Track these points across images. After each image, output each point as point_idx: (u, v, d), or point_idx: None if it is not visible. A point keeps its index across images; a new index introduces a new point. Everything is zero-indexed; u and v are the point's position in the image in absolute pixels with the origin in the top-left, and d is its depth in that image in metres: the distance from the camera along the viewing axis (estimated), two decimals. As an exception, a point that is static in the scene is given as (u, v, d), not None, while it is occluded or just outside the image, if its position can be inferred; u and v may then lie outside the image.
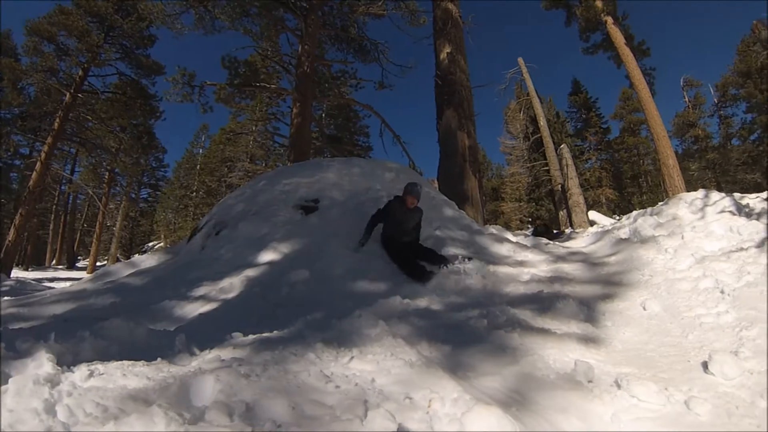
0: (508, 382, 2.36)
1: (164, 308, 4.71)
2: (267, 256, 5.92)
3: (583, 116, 38.75)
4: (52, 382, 1.64)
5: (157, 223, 44.97)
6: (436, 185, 11.73)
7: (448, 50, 13.34)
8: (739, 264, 4.32)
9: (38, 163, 20.53)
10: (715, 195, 7.65)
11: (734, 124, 35.56)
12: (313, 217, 7.07)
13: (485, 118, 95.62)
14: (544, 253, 6.71)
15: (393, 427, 1.48)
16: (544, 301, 4.03)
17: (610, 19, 20.33)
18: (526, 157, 33.15)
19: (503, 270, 5.45)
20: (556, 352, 2.84)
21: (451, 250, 5.88)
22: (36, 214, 27.57)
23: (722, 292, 3.80)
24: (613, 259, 6.00)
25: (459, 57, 13.37)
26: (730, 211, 6.64)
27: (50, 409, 1.45)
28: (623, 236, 7.27)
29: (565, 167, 16.86)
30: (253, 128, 34.35)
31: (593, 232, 9.68)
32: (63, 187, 38.45)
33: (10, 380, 1.57)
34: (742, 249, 4.89)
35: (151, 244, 50.18)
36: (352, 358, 2.19)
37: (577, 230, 14.25)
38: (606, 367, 2.69)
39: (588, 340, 3.23)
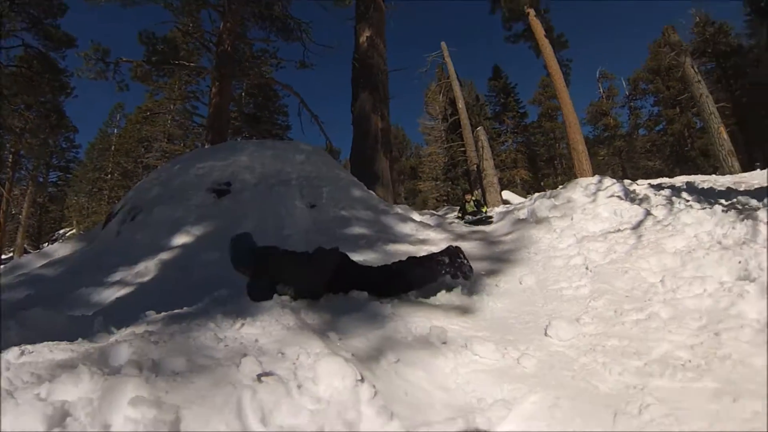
0: (371, 343, 2.78)
1: (81, 296, 4.95)
2: (181, 239, 6.24)
3: (502, 101, 40.92)
4: (-12, 362, 2.04)
5: (68, 208, 42.41)
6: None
7: (368, 34, 13.82)
8: (610, 243, 4.81)
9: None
10: (608, 181, 8.32)
11: (642, 116, 39.29)
12: (225, 200, 7.41)
13: (406, 99, 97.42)
14: (447, 232, 7.35)
15: (259, 370, 2.01)
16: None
17: (532, 11, 21.69)
18: (444, 138, 34.50)
19: (403, 248, 5.96)
20: (422, 319, 3.20)
21: (355, 230, 6.46)
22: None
23: (587, 268, 4.27)
24: (508, 237, 6.58)
25: (378, 41, 13.90)
26: (618, 196, 7.24)
27: (-9, 382, 1.87)
28: (521, 216, 7.92)
29: (481, 149, 17.57)
30: (171, 107, 33.28)
31: (498, 211, 10.50)
32: (-43, 173, 35.58)
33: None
34: (618, 230, 5.43)
35: (61, 231, 47.08)
36: (243, 324, 2.68)
37: (490, 209, 15.32)
38: (467, 332, 3.08)
39: (461, 310, 3.61)
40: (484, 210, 10.80)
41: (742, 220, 4.24)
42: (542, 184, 37.67)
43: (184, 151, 33.99)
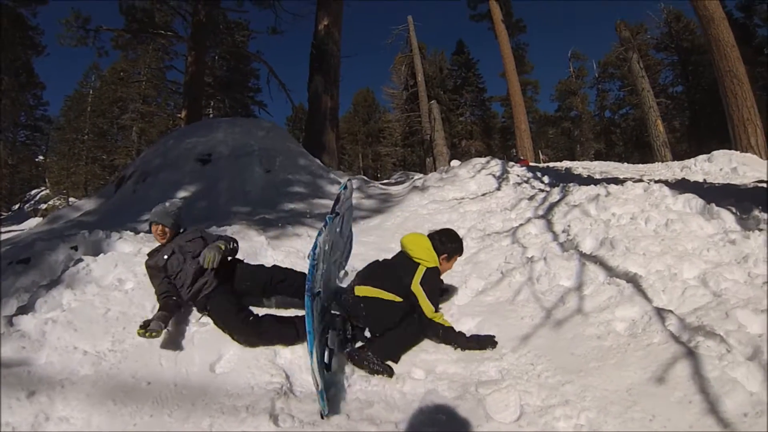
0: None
1: (129, 229, 9.04)
2: (182, 194, 10.09)
3: (463, 74, 45.77)
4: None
5: (47, 170, 45.52)
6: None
7: (326, 23, 17.05)
8: (440, 205, 7.94)
9: None
10: (494, 162, 10.48)
11: (609, 98, 44.02)
12: (208, 167, 11.24)
13: (380, 63, 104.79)
14: (362, 192, 10.42)
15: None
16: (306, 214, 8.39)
17: (493, -4, 25.91)
18: (404, 107, 38.53)
19: (323, 202, 9.59)
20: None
21: (295, 188, 10.49)
22: None
23: (407, 215, 7.81)
24: (397, 198, 9.57)
25: (334, 30, 17.22)
26: (493, 175, 9.41)
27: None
28: (417, 184, 10.54)
29: (433, 121, 20.68)
30: (145, 69, 36.57)
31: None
32: None
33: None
34: (462, 198, 8.25)
35: (33, 192, 50.09)
36: (221, 226, 6.90)
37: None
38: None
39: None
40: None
41: (528, 197, 7.34)
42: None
43: (158, 111, 38.17)
